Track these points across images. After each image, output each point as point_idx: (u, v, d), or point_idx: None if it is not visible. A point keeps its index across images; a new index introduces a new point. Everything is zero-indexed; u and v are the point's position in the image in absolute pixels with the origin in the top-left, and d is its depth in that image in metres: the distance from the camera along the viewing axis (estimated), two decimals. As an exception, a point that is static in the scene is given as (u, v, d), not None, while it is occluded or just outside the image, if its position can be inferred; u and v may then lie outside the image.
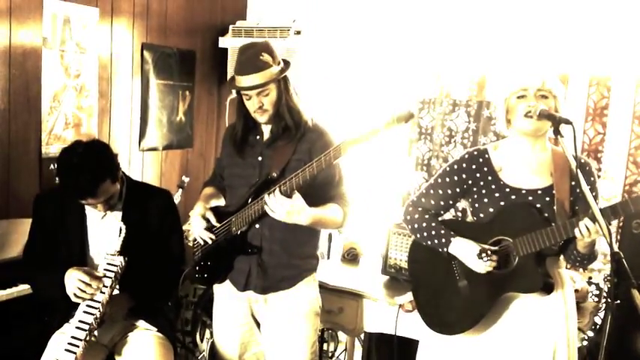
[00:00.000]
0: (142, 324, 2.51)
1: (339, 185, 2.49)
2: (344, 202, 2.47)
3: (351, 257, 3.57)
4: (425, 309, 2.36)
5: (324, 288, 3.00)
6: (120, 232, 2.36)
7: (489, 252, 2.11)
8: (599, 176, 3.26)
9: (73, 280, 2.28)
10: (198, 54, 4.18)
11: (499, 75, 3.56)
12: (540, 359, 2.13)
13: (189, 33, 4.10)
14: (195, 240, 2.64)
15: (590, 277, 2.99)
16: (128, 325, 2.52)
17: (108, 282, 2.30)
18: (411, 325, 2.83)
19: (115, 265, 2.31)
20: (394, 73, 3.89)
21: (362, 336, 3.53)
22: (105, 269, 2.32)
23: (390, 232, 3.26)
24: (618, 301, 1.66)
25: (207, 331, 3.51)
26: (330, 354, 4.02)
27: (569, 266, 2.28)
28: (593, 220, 1.87)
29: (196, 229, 2.55)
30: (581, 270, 3.27)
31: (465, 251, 2.18)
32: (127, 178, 2.56)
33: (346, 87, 4.04)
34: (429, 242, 2.29)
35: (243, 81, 2.36)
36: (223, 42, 4.17)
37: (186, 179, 3.67)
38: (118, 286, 2.40)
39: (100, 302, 2.28)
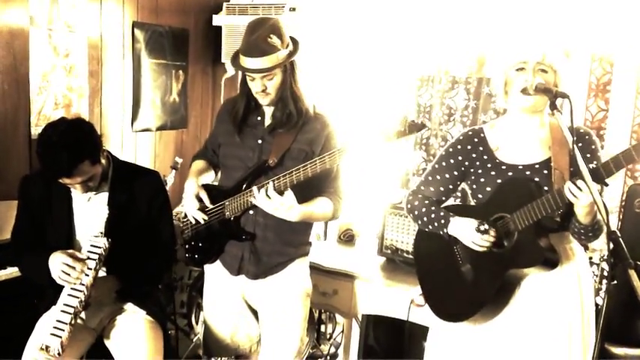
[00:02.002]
0: (130, 307, 2.47)
1: (335, 179, 2.45)
2: (336, 196, 2.43)
3: (347, 238, 3.51)
4: (432, 298, 2.31)
5: (318, 270, 2.97)
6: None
7: (487, 225, 2.05)
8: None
9: (57, 263, 2.23)
10: (192, 32, 4.09)
11: (499, 51, 3.45)
12: (555, 337, 2.07)
13: (182, 11, 4.01)
14: (185, 218, 2.59)
15: (590, 258, 2.91)
16: (116, 309, 2.48)
17: (92, 264, 2.25)
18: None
19: (98, 247, 2.26)
20: (392, 50, 3.80)
21: (360, 317, 3.49)
22: (88, 251, 2.27)
23: (387, 213, 3.20)
24: (615, 282, 1.59)
25: (202, 314, 3.47)
26: (328, 336, 3.99)
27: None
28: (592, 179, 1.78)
29: (190, 208, 2.50)
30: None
31: (463, 228, 2.12)
32: (114, 159, 2.50)
33: (343, 64, 3.95)
34: (430, 227, 2.24)
35: (248, 62, 2.29)
36: (217, 20, 4.08)
37: (179, 160, 3.60)
38: (104, 268, 2.36)
39: (84, 285, 2.23)
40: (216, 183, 2.64)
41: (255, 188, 2.27)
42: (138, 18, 3.69)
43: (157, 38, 3.81)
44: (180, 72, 4.03)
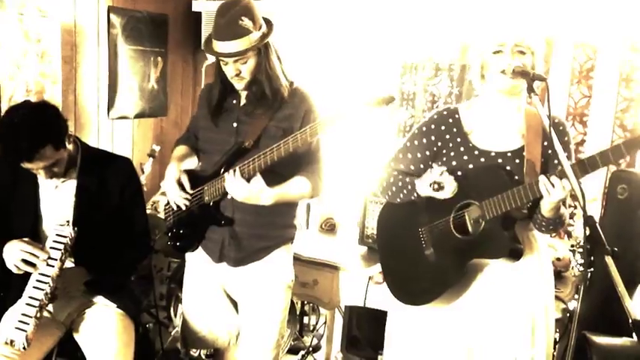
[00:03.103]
0: (101, 300, 2.40)
1: (315, 158, 2.37)
2: (315, 175, 2.34)
3: (328, 228, 3.45)
4: (392, 279, 2.26)
5: (298, 260, 2.90)
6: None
7: (440, 181, 2.01)
8: (584, 140, 3.16)
9: (16, 251, 2.15)
10: (171, 18, 4.00)
11: (483, 38, 3.40)
12: (516, 326, 2.04)
13: (161, -4, 3.92)
14: (167, 204, 2.52)
15: (572, 245, 2.87)
16: (86, 302, 2.40)
17: (57, 254, 2.16)
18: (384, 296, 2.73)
19: (64, 236, 2.18)
20: (374, 36, 3.73)
21: (342, 308, 3.44)
22: (54, 240, 2.19)
23: (368, 201, 3.15)
24: (592, 269, 1.54)
25: (181, 306, 3.41)
26: (311, 327, 3.94)
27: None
28: (561, 177, 1.75)
29: (171, 193, 2.43)
30: (566, 237, 3.17)
31: (424, 181, 2.06)
32: (82, 145, 2.42)
33: (325, 51, 3.88)
34: (401, 195, 2.18)
35: (220, 47, 2.22)
36: (197, 5, 3.99)
37: (156, 148, 3.53)
38: (72, 259, 2.29)
39: (49, 276, 2.15)
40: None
41: (226, 174, 2.20)
42: (114, 3, 3.60)
43: (134, 24, 3.71)
44: (159, 58, 3.94)
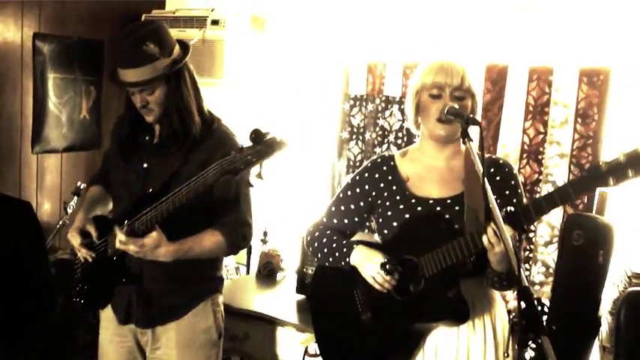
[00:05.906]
0: (-8, 360, 2.12)
1: (234, 207, 2.06)
2: (231, 228, 2.04)
3: (267, 273, 3.18)
4: (326, 350, 2.00)
5: (226, 311, 2.63)
6: None
7: (393, 265, 1.77)
8: (539, 179, 2.97)
9: None
10: (107, 45, 3.74)
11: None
12: None
13: (94, 21, 3.65)
14: (76, 256, 2.23)
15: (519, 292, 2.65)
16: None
17: None
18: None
19: None
20: (322, 67, 3.53)
21: None
22: None
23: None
24: (528, 348, 1.30)
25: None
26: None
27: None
28: (507, 223, 1.53)
29: (74, 244, 2.13)
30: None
31: (367, 258, 1.83)
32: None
33: (272, 82, 3.67)
34: (331, 259, 1.94)
35: (121, 75, 1.96)
36: (136, 32, 3.76)
37: (82, 185, 3.24)
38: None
39: None
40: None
41: (116, 228, 1.91)
42: (40, 29, 3.34)
43: (63, 50, 3.45)
44: (92, 88, 3.67)
